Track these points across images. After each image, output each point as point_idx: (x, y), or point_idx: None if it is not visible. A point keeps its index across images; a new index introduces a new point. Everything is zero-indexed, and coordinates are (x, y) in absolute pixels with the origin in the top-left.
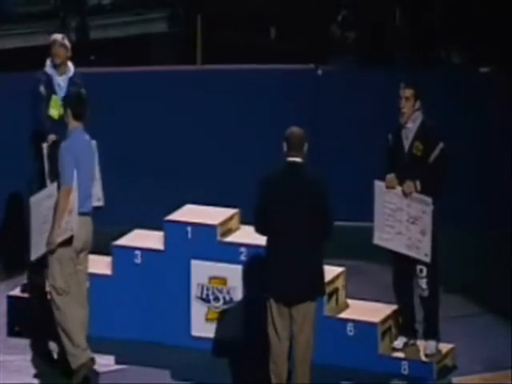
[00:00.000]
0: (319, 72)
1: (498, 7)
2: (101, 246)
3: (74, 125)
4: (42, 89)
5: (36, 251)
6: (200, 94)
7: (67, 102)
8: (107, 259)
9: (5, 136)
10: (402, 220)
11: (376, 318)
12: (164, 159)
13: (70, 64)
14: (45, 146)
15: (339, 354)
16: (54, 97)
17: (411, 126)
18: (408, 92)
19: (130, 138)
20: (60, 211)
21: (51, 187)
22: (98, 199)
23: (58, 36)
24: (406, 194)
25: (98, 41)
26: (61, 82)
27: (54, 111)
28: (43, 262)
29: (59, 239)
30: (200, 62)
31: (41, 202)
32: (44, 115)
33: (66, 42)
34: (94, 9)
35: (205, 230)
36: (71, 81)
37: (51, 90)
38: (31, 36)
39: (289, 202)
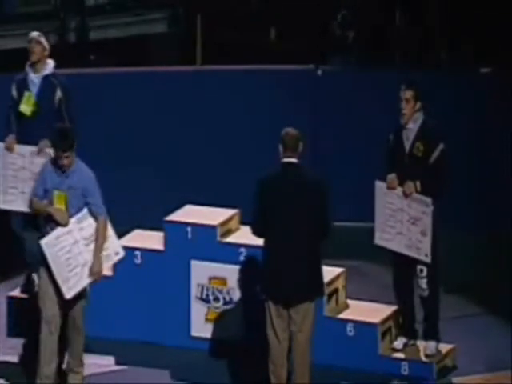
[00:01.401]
0: (319, 72)
1: (498, 7)
2: None
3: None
4: (13, 91)
5: (72, 288)
6: (200, 94)
7: (71, 136)
8: None
9: (5, 136)
10: (402, 220)
11: (376, 319)
12: (164, 159)
13: (49, 62)
14: (0, 145)
15: (339, 354)
16: (26, 93)
17: (412, 127)
18: (408, 93)
19: (129, 139)
20: (102, 241)
21: (70, 226)
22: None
23: (34, 33)
24: (406, 195)
25: (98, 41)
26: (34, 78)
27: (26, 107)
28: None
29: (105, 267)
30: (200, 62)
31: (56, 241)
32: (11, 116)
33: (43, 40)
34: (93, 9)
35: (205, 231)
36: (46, 79)
37: (25, 87)
38: None
39: (286, 203)
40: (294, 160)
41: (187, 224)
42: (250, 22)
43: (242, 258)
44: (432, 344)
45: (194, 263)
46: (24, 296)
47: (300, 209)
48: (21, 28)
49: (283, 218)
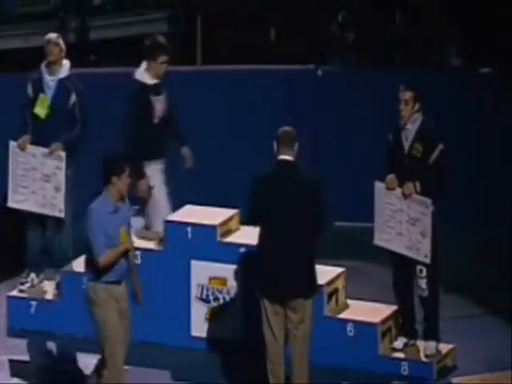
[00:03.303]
0: (319, 72)
1: (499, 7)
2: None
3: None
4: (29, 90)
5: None
6: (200, 94)
7: None
8: None
9: (5, 136)
10: (402, 221)
11: (376, 319)
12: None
13: (65, 64)
14: (12, 144)
15: (339, 354)
16: (41, 96)
17: (411, 128)
18: (407, 95)
19: None
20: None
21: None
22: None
23: (52, 35)
24: (405, 196)
25: (98, 41)
26: (50, 81)
27: (41, 110)
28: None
29: None
30: (200, 62)
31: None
32: (27, 116)
33: (60, 42)
34: (93, 9)
35: (205, 231)
36: (61, 83)
37: (41, 88)
38: (31, 36)
39: (281, 201)
40: (289, 157)
41: (187, 224)
42: (250, 22)
43: (242, 258)
44: (432, 344)
45: (194, 263)
46: (24, 296)
47: (295, 207)
48: (21, 28)
49: (278, 216)
